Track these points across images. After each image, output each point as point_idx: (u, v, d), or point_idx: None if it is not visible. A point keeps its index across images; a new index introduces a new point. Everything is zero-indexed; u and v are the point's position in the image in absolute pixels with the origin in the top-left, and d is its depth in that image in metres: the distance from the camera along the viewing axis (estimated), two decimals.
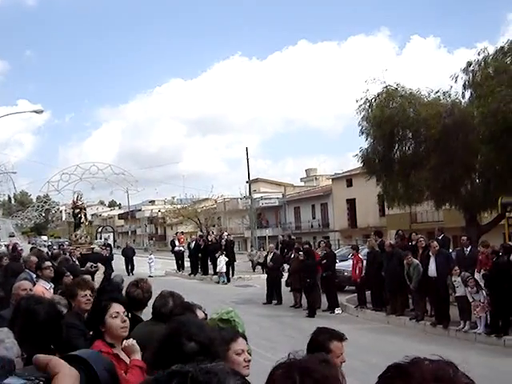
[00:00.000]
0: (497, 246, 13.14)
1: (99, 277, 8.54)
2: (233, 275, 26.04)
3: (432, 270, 13.46)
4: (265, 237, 37.14)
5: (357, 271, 16.62)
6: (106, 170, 44.04)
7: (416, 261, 14.11)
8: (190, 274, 28.67)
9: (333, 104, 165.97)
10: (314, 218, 49.04)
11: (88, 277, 7.28)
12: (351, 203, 43.67)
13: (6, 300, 5.97)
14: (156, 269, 30.85)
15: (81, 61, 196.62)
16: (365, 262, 16.41)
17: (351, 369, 4.87)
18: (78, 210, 31.91)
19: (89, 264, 10.53)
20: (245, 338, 3.40)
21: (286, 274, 19.10)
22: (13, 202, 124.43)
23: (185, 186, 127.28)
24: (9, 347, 2.40)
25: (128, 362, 3.46)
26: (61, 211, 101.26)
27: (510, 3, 72.98)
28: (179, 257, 31.19)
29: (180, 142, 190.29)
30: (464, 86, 19.25)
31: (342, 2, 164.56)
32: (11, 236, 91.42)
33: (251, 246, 34.81)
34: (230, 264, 25.83)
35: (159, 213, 72.04)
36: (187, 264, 30.08)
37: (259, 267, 27.23)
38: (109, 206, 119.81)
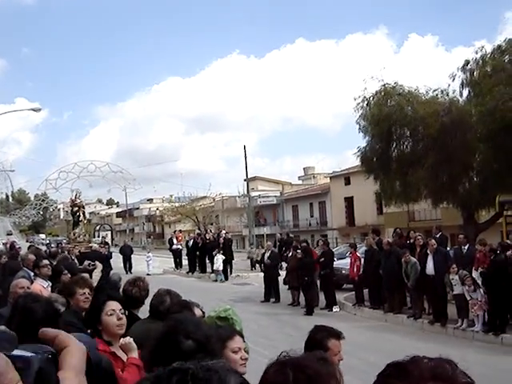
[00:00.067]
0: (494, 244, 13.18)
1: (97, 275, 8.55)
2: (231, 273, 26.05)
3: (430, 268, 13.48)
4: (263, 235, 37.18)
5: (355, 269, 16.63)
6: (103, 168, 44.13)
7: (414, 259, 14.12)
8: (187, 272, 28.67)
9: (331, 102, 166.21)
10: (311, 216, 49.09)
11: (86, 275, 7.28)
12: (349, 201, 43.71)
13: (4, 298, 5.97)
14: (154, 267, 30.85)
15: (79, 59, 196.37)
16: (363, 260, 16.42)
17: (349, 367, 4.87)
18: (77, 208, 31.92)
19: (86, 262, 10.51)
20: (242, 336, 3.40)
21: (283, 273, 19.12)
22: (10, 200, 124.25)
23: (183, 184, 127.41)
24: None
25: (125, 360, 3.46)
26: (59, 209, 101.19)
27: (508, 2, 73.09)
28: (177, 255, 31.20)
29: (178, 140, 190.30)
30: (462, 85, 19.29)
31: (340, 1, 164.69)
32: (9, 234, 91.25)
33: (251, 244, 34.81)
34: (228, 262, 25.84)
35: (157, 211, 72.08)
36: (185, 262, 30.08)
37: (258, 265, 27.24)
38: (107, 205, 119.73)
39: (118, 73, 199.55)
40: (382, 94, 19.83)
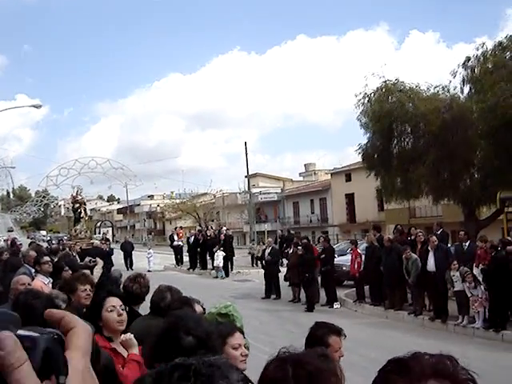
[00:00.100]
0: (495, 241, 13.17)
1: (98, 271, 8.56)
2: (231, 270, 26.07)
3: (431, 264, 13.48)
4: (263, 231, 37.16)
5: (355, 266, 16.64)
6: (104, 164, 44.11)
7: (415, 255, 14.12)
8: (188, 269, 28.70)
9: (332, 99, 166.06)
10: (312, 212, 49.07)
11: (88, 271, 7.29)
12: (350, 198, 43.69)
13: (5, 295, 5.97)
14: (155, 263, 30.87)
15: (79, 55, 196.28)
16: (363, 256, 16.42)
17: (350, 363, 4.87)
18: (78, 205, 31.88)
19: (87, 258, 10.52)
20: (242, 332, 3.40)
21: (284, 269, 19.13)
22: (11, 196, 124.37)
23: (184, 180, 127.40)
24: None
25: (126, 356, 3.46)
26: (59, 206, 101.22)
27: None
28: (178, 251, 31.23)
29: (179, 137, 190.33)
30: (463, 81, 19.26)
31: None
32: (10, 231, 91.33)
33: (252, 240, 34.78)
34: (229, 259, 25.86)
35: (158, 207, 72.10)
36: (186, 259, 30.11)
37: (258, 261, 27.25)
38: (107, 201, 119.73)
39: (119, 69, 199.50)
40: (383, 90, 19.81)
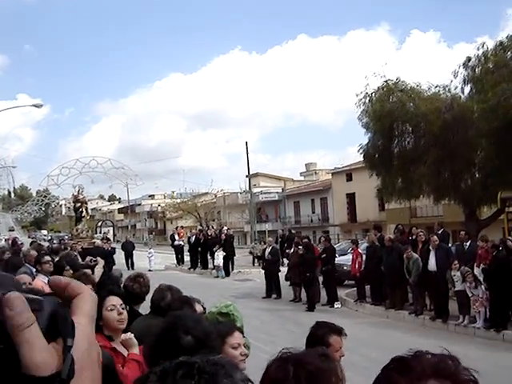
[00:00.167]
0: (496, 241, 13.16)
1: (99, 270, 8.55)
2: (232, 269, 26.07)
3: (432, 264, 13.48)
4: (264, 231, 37.16)
5: (356, 265, 16.64)
6: (105, 164, 44.13)
7: (415, 255, 14.12)
8: (189, 269, 28.71)
9: (333, 98, 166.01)
10: (313, 212, 49.06)
11: (89, 271, 7.29)
12: (351, 198, 43.69)
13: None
14: (156, 263, 30.88)
15: (80, 55, 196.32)
16: (364, 256, 16.43)
17: (351, 363, 4.87)
18: (80, 204, 31.90)
19: (88, 258, 10.52)
20: (241, 331, 3.40)
21: (285, 269, 19.13)
22: (12, 196, 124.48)
23: (185, 180, 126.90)
24: None
25: (126, 356, 3.46)
26: (60, 205, 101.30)
27: None
28: (179, 251, 31.24)
29: (180, 137, 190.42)
30: (464, 81, 19.25)
31: None
32: (11, 230, 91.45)
33: (255, 240, 34.78)
34: (230, 258, 25.86)
35: (159, 207, 72.18)
36: (187, 258, 30.12)
37: (258, 261, 27.25)
38: (108, 201, 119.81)
39: (120, 69, 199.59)
40: (384, 90, 19.81)
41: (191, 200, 50.97)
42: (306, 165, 63.88)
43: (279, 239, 26.80)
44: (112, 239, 38.99)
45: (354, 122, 20.77)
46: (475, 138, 17.94)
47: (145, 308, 4.86)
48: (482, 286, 12.23)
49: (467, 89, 19.40)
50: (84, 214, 31.94)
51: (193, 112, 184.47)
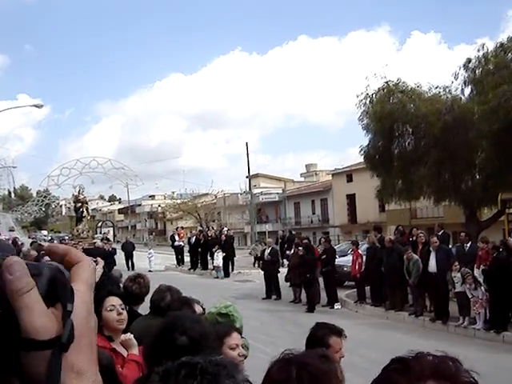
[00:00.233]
0: (497, 242, 13.16)
1: (99, 271, 8.53)
2: (232, 270, 26.07)
3: (432, 265, 13.47)
4: (264, 232, 37.18)
5: (356, 267, 16.64)
6: (105, 164, 44.03)
7: (416, 256, 14.12)
8: (189, 269, 28.72)
9: (333, 99, 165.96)
10: (313, 213, 49.06)
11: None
12: (351, 199, 43.68)
13: None
14: (156, 263, 30.88)
15: (81, 55, 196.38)
16: (364, 257, 16.42)
17: (350, 364, 4.86)
18: (80, 204, 31.85)
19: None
20: (240, 332, 3.40)
21: (284, 270, 19.13)
22: (13, 196, 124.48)
23: (185, 180, 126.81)
24: None
25: (126, 356, 3.46)
26: (61, 206, 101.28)
27: (511, 0, 72.73)
28: (179, 252, 31.24)
29: (180, 137, 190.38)
30: (464, 83, 19.24)
31: None
32: (11, 230, 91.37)
33: (256, 241, 34.74)
34: (230, 259, 25.87)
35: (159, 208, 72.20)
36: (187, 259, 30.11)
37: (257, 262, 27.23)
38: (109, 201, 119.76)
39: (120, 69, 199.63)
40: (385, 91, 19.80)
41: (191, 201, 50.96)
42: (306, 166, 63.91)
43: (279, 240, 26.79)
44: (112, 240, 38.95)
45: (355, 123, 20.80)
46: (476, 140, 17.93)
47: (145, 309, 4.86)
48: (482, 288, 12.23)
49: (468, 90, 19.43)
50: (85, 214, 31.90)
51: (193, 112, 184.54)
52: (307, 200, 49.98)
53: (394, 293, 15.01)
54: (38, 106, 32.07)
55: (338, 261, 18.48)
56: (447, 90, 19.54)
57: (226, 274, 25.31)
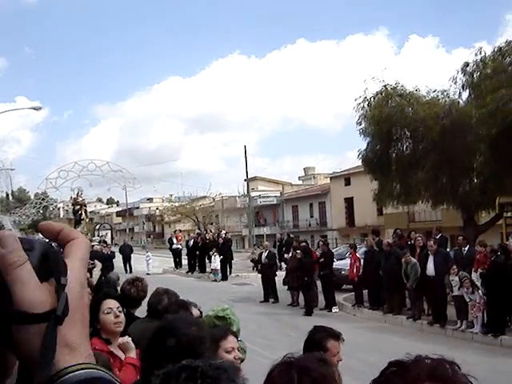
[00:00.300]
0: (495, 246, 13.17)
1: (97, 273, 8.52)
2: (230, 273, 26.05)
3: (430, 269, 13.47)
4: (262, 235, 37.15)
5: (354, 270, 16.62)
6: (103, 167, 43.90)
7: (414, 260, 14.11)
8: (187, 272, 28.68)
9: (331, 103, 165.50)
10: (311, 216, 49.07)
11: (87, 274, 7.26)
12: (349, 202, 43.70)
13: None
14: (154, 266, 30.85)
15: (79, 58, 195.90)
16: (362, 260, 16.41)
17: (348, 368, 4.86)
18: (79, 207, 31.79)
19: None
20: (236, 335, 3.39)
21: (282, 273, 19.11)
22: (11, 198, 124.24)
23: (183, 183, 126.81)
24: None
25: (123, 359, 3.45)
26: (58, 208, 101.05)
27: (509, 4, 73.08)
28: (177, 255, 31.20)
29: (178, 140, 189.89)
30: (462, 86, 19.27)
31: (341, 1, 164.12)
32: None
33: (254, 245, 34.71)
34: (228, 262, 25.85)
35: (157, 210, 72.01)
36: (185, 262, 30.08)
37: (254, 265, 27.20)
38: (106, 204, 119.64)
39: (119, 72, 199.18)
40: (383, 94, 19.82)
41: (189, 203, 50.88)
42: (304, 169, 63.87)
43: (277, 243, 26.80)
44: (110, 242, 38.86)
45: (353, 127, 20.79)
46: (473, 144, 17.95)
47: (142, 312, 4.85)
48: (480, 291, 12.22)
49: (465, 94, 19.46)
50: (83, 216, 31.84)
51: (191, 115, 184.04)
52: (305, 203, 49.99)
53: (391, 296, 15.00)
54: (37, 109, 32.03)
55: (336, 264, 18.48)
56: (445, 93, 19.58)
57: (224, 277, 25.30)
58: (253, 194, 46.31)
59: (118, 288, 5.66)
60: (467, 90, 19.27)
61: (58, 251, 0.75)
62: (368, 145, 20.42)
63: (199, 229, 40.54)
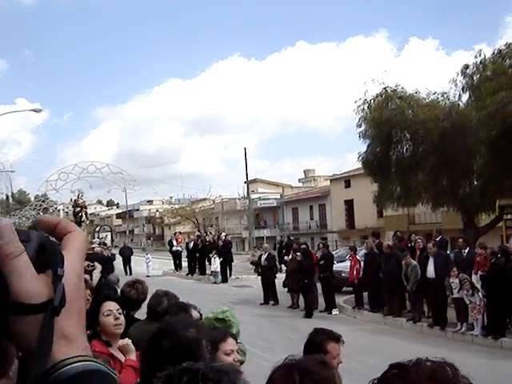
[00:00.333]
0: (495, 248, 13.17)
1: (97, 275, 8.55)
2: (230, 275, 26.04)
3: (430, 271, 13.47)
4: (262, 237, 37.13)
5: (354, 272, 16.61)
6: (104, 169, 43.85)
7: (414, 262, 14.11)
8: (187, 274, 28.67)
9: (331, 105, 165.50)
10: (311, 218, 49.04)
11: (87, 276, 7.27)
12: (349, 204, 43.68)
13: None
14: (154, 269, 30.84)
15: (79, 60, 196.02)
16: (362, 263, 16.41)
17: (348, 370, 4.85)
18: (79, 209, 31.77)
19: (85, 263, 10.50)
20: (235, 338, 3.39)
21: (282, 275, 19.11)
22: (11, 200, 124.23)
23: (183, 185, 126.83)
24: None
25: (123, 361, 3.44)
26: (59, 210, 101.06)
27: (509, 6, 73.05)
28: (177, 257, 31.19)
29: (178, 142, 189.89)
30: (462, 89, 19.28)
31: (341, 3, 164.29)
32: None
33: (254, 247, 34.68)
34: (228, 264, 25.85)
35: (157, 212, 72.00)
36: (185, 264, 30.08)
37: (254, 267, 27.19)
38: (107, 206, 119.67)
39: (119, 75, 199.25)
40: (383, 97, 19.81)
41: (189, 206, 50.87)
42: (304, 171, 63.85)
43: (277, 245, 26.79)
44: (110, 244, 38.85)
45: (353, 129, 20.76)
46: (473, 146, 17.95)
47: (142, 314, 4.85)
48: (480, 294, 12.22)
49: (465, 96, 19.46)
50: (84, 218, 31.82)
51: (191, 117, 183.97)
52: (305, 205, 49.97)
53: (391, 298, 14.99)
54: (37, 111, 32.08)
55: (336, 266, 18.47)
56: (445, 96, 19.58)
57: (224, 280, 25.29)
58: (253, 196, 46.28)
59: (118, 290, 5.65)
60: (467, 93, 19.29)
61: (55, 243, 0.76)
62: (368, 147, 20.41)
63: (199, 231, 40.55)
